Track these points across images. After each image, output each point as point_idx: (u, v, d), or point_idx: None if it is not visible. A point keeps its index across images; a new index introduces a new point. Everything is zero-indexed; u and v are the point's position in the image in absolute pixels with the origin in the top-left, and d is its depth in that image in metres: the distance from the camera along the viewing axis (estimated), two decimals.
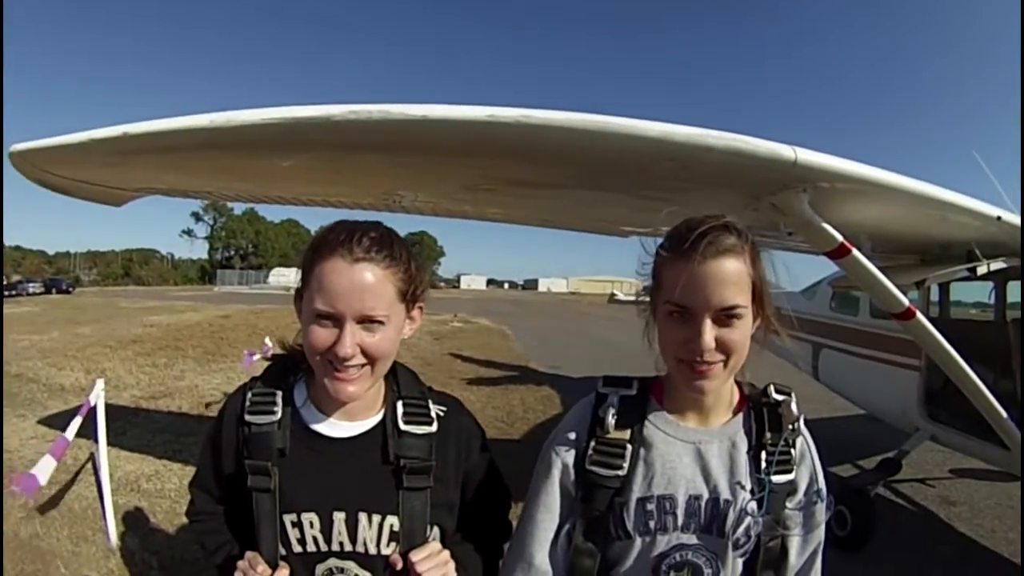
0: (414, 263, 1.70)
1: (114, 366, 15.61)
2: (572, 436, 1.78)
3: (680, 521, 1.67)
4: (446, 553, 1.71)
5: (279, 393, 1.76)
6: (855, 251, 3.94)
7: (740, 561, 1.72)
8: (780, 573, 1.78)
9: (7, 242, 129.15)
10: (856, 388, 8.40)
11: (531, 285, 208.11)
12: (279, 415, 1.71)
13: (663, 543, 1.67)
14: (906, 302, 4.45)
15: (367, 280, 1.56)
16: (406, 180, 4.24)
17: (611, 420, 1.71)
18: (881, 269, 4.29)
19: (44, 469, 4.92)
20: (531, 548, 1.76)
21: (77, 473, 7.46)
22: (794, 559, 1.78)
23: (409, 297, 1.70)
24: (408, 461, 1.71)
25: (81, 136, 3.41)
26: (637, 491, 1.68)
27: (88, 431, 7.67)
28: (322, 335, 1.57)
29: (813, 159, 3.27)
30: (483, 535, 1.93)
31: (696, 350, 1.56)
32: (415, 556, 1.65)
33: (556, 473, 1.76)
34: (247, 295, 69.20)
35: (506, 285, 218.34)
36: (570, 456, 1.75)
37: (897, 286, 4.44)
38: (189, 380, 13.97)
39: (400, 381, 1.85)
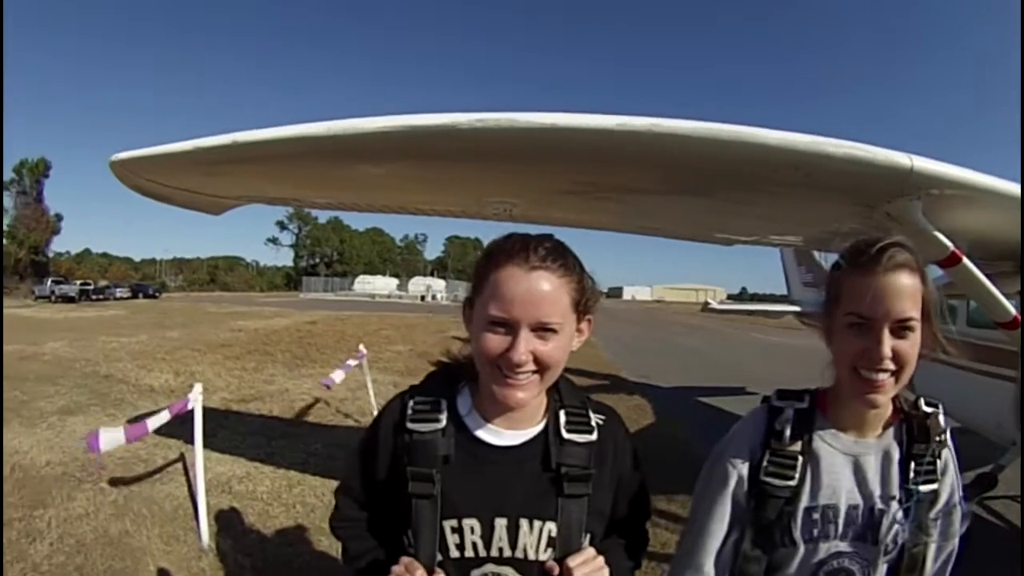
0: (586, 275, 1.71)
1: (203, 369, 15.89)
2: (747, 448, 1.84)
3: (840, 530, 1.76)
4: (601, 559, 1.70)
5: (443, 401, 1.77)
6: (965, 259, 3.85)
7: (885, 566, 1.79)
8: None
9: (95, 249, 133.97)
10: (951, 400, 7.92)
11: (615, 293, 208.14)
12: (443, 423, 1.73)
13: (823, 550, 1.76)
14: (1013, 311, 4.33)
15: (543, 288, 1.56)
16: (512, 188, 4.25)
17: (788, 433, 1.78)
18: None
19: (110, 440, 4.98)
20: (700, 557, 1.83)
21: (164, 471, 7.62)
22: (930, 565, 1.84)
23: (581, 308, 1.69)
24: (569, 469, 1.71)
25: (186, 145, 3.48)
26: (805, 501, 1.76)
27: (178, 431, 7.84)
28: (495, 341, 1.57)
29: (928, 167, 3.27)
30: (627, 543, 1.94)
31: (875, 359, 1.61)
32: (572, 562, 1.65)
33: (731, 484, 1.82)
34: (332, 302, 70.42)
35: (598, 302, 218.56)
36: (745, 468, 1.82)
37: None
38: (279, 384, 14.12)
39: (562, 390, 1.83)
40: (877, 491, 1.75)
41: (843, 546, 1.75)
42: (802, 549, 1.74)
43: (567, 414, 1.79)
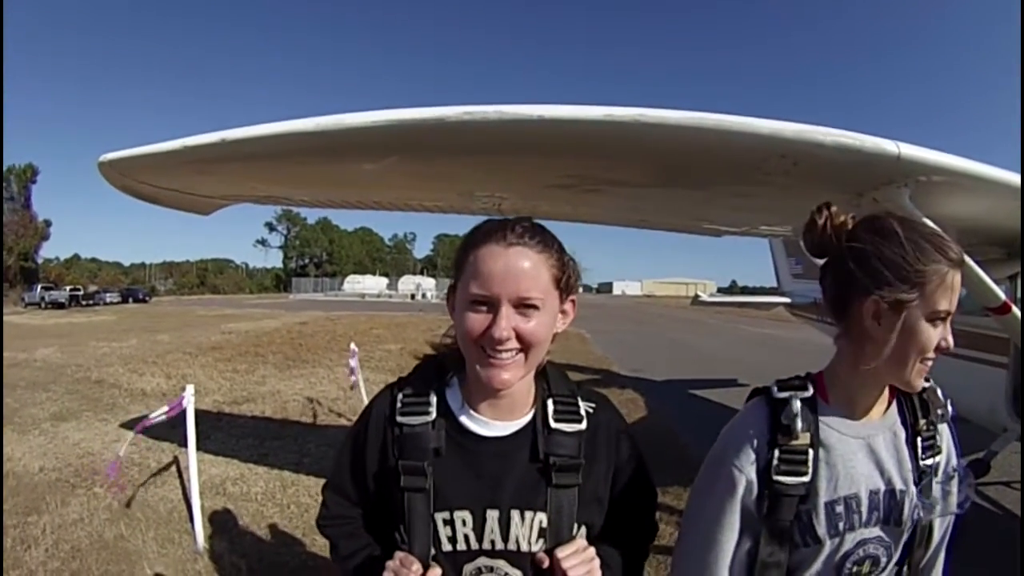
0: (566, 254, 1.70)
1: (195, 372, 15.84)
2: (752, 448, 1.72)
3: (864, 517, 1.68)
4: (592, 550, 1.67)
5: (432, 393, 1.75)
6: None
7: (903, 544, 1.75)
8: (927, 549, 1.81)
9: (84, 254, 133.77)
10: (943, 387, 7.92)
11: (605, 288, 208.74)
12: (433, 415, 1.70)
13: (850, 541, 1.68)
14: (1003, 296, 4.33)
15: (522, 263, 1.55)
16: (501, 181, 4.26)
17: (799, 426, 1.67)
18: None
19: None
20: (716, 574, 1.72)
21: (158, 475, 7.61)
22: (936, 535, 1.82)
23: (563, 285, 1.67)
24: (557, 459, 1.68)
25: (175, 144, 3.46)
26: (824, 495, 1.67)
27: (171, 434, 7.82)
28: (477, 320, 1.55)
29: (916, 153, 3.27)
30: (629, 533, 1.89)
31: (944, 347, 1.61)
32: (561, 552, 1.62)
33: (740, 491, 1.70)
34: (323, 302, 69.99)
35: (580, 288, 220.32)
36: (753, 470, 1.69)
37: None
38: (271, 385, 14.18)
39: (550, 380, 1.81)
40: (894, 471, 1.71)
41: (867, 532, 1.69)
42: (828, 545, 1.67)
43: (555, 403, 1.76)
